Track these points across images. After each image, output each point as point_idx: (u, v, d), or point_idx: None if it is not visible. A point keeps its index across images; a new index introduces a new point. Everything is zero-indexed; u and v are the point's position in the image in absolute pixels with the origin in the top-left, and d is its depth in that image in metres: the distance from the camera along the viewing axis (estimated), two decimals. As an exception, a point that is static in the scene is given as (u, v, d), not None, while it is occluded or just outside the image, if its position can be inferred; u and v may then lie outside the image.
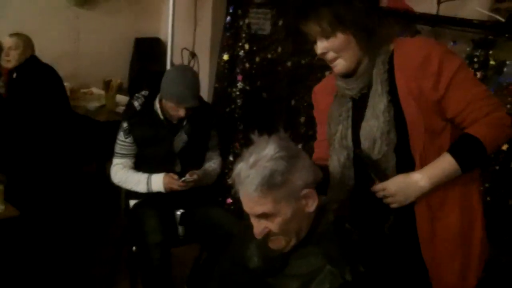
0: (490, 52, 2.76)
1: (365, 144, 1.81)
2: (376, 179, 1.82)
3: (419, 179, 1.75)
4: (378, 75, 1.79)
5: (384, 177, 1.80)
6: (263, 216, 1.58)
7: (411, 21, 3.09)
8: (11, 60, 4.05)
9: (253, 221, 1.62)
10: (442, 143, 1.77)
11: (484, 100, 1.73)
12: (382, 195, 1.80)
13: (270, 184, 1.53)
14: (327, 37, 1.75)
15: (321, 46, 1.78)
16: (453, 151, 1.73)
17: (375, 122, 1.78)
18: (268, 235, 1.61)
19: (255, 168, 1.55)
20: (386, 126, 1.76)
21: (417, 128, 1.74)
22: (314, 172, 1.63)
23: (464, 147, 1.74)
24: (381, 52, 1.80)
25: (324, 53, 1.79)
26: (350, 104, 1.88)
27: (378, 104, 1.78)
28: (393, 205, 1.79)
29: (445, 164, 1.73)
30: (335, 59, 1.79)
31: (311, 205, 1.61)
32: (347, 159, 1.88)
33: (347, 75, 1.84)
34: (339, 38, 1.75)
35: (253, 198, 1.56)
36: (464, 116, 1.74)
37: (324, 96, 2.02)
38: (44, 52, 4.30)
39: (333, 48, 1.76)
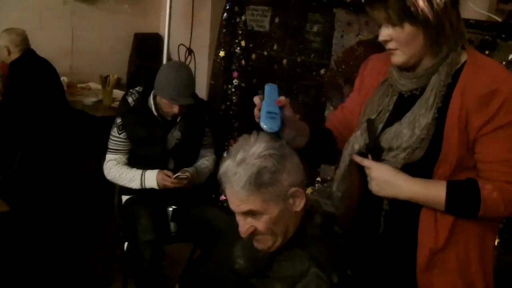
0: (487, 52, 2.72)
1: (385, 144, 1.67)
2: (370, 155, 1.70)
3: (402, 186, 1.62)
4: (436, 86, 1.62)
5: (378, 159, 1.68)
6: (250, 214, 1.56)
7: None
8: (3, 56, 4.09)
9: (239, 219, 1.60)
10: (470, 177, 1.61)
11: None
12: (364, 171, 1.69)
13: (257, 182, 1.51)
14: (393, 25, 1.58)
15: (385, 32, 1.61)
16: (451, 187, 1.59)
17: (407, 132, 1.62)
18: (253, 234, 1.58)
19: (242, 165, 1.52)
20: (418, 143, 1.61)
21: (449, 160, 1.59)
22: (303, 172, 1.61)
23: (463, 191, 1.59)
24: (448, 59, 1.62)
25: (386, 41, 1.62)
26: (395, 99, 1.72)
27: (421, 117, 1.61)
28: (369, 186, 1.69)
29: (434, 191, 1.60)
30: (395, 49, 1.62)
31: (299, 205, 1.59)
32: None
33: (403, 68, 1.68)
34: (406, 31, 1.57)
35: (240, 196, 1.54)
36: (485, 168, 1.59)
37: (374, 76, 1.84)
38: (42, 48, 4.30)
39: (397, 38, 1.59)
